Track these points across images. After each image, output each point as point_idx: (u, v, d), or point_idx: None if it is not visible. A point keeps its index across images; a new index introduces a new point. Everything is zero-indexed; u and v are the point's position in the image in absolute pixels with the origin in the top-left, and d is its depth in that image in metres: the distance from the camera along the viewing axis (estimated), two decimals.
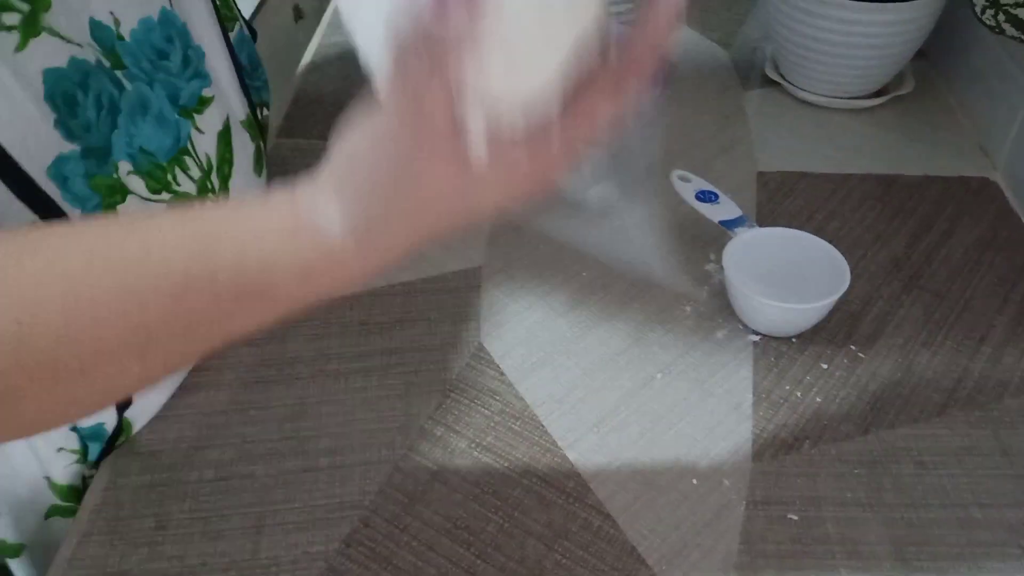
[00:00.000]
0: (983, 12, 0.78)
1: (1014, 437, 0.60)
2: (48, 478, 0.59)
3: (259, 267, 0.36)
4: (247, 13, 1.20)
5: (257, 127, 0.70)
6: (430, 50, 0.30)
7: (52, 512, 0.60)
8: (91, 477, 0.61)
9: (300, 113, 0.94)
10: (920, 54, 0.90)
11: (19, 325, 0.36)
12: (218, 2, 0.66)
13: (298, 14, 1.18)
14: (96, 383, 0.39)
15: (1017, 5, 0.76)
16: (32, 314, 0.37)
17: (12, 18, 0.44)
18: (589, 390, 0.65)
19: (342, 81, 0.98)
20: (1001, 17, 0.77)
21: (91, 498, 0.59)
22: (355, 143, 0.34)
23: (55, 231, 0.39)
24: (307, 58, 1.05)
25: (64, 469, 0.60)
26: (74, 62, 0.49)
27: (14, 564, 0.59)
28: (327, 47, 1.06)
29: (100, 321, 0.37)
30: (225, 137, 0.63)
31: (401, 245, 0.36)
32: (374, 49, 0.33)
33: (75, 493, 0.61)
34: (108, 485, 0.60)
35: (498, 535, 0.56)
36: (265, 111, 0.76)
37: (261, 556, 0.55)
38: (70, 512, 0.60)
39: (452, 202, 0.34)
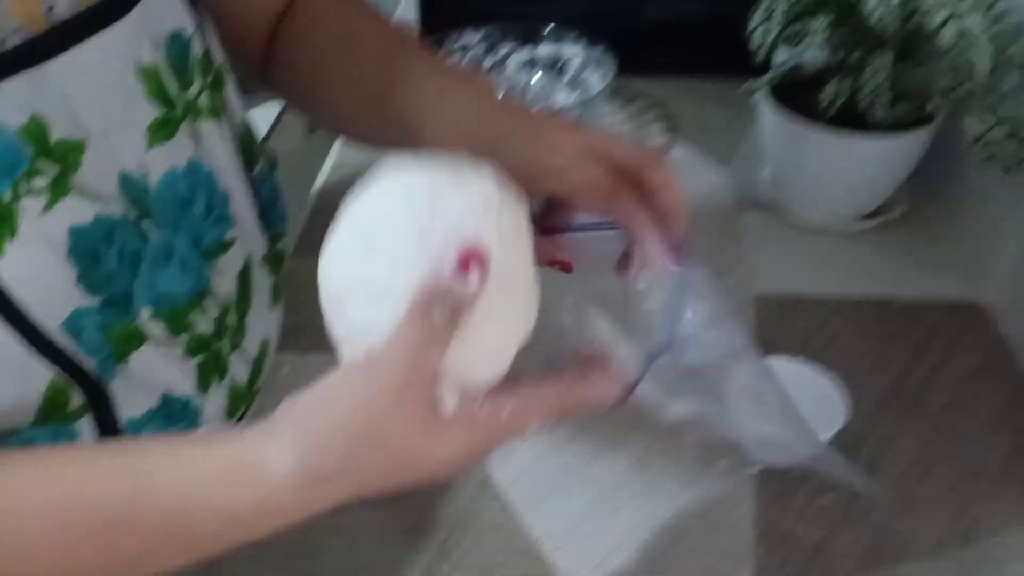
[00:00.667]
0: (971, 146, 0.81)
1: None
2: None
3: (185, 512, 0.38)
4: (261, 132, 1.24)
5: (275, 259, 0.72)
6: (441, 313, 0.34)
7: None
8: None
9: (316, 232, 0.96)
10: (915, 175, 0.92)
11: None
12: (242, 138, 0.68)
13: (312, 126, 1.21)
14: None
15: (1007, 139, 0.79)
16: None
17: (41, 181, 0.45)
18: (594, 524, 0.66)
19: None
20: (987, 151, 0.80)
21: None
22: (324, 397, 0.36)
23: None
24: (323, 176, 1.08)
25: None
26: (99, 219, 0.50)
27: None
28: (342, 167, 1.10)
29: (30, 555, 0.39)
30: (244, 276, 0.64)
31: (341, 496, 0.38)
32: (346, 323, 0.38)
33: None
34: None
35: None
36: (283, 241, 0.78)
37: None
38: None
39: (411, 456, 0.37)
